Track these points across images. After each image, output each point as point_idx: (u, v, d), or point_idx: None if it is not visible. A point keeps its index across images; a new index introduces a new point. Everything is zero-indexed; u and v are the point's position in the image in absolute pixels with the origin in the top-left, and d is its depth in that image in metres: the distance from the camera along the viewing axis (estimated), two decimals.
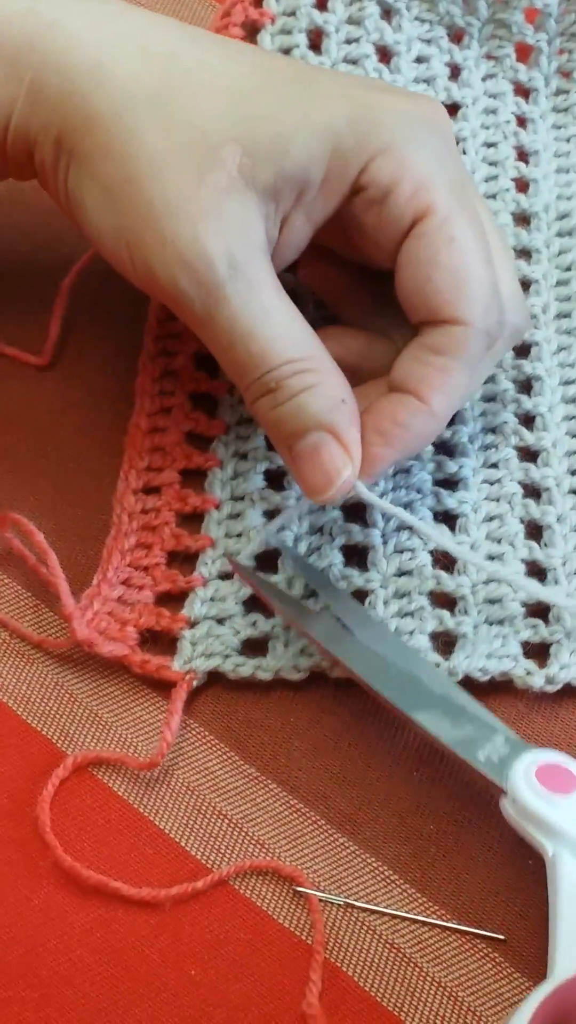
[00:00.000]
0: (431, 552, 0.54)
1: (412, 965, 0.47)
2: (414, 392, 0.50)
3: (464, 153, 0.65)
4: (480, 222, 0.51)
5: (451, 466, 0.56)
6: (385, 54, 0.66)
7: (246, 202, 0.49)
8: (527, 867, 0.48)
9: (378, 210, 0.50)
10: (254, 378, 0.49)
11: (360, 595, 0.53)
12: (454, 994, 0.47)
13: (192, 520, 0.56)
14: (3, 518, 0.54)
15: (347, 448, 0.50)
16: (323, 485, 0.50)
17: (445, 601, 0.53)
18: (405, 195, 0.50)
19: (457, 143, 0.65)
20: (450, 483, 0.56)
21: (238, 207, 0.48)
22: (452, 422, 0.57)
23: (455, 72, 0.67)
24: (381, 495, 0.55)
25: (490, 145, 0.65)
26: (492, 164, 0.65)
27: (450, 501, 0.55)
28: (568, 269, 0.62)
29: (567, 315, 0.61)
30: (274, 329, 0.49)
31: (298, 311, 0.50)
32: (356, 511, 0.55)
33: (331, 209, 0.51)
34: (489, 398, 0.58)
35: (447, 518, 0.55)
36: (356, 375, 0.52)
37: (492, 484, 0.56)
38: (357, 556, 0.54)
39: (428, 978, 0.47)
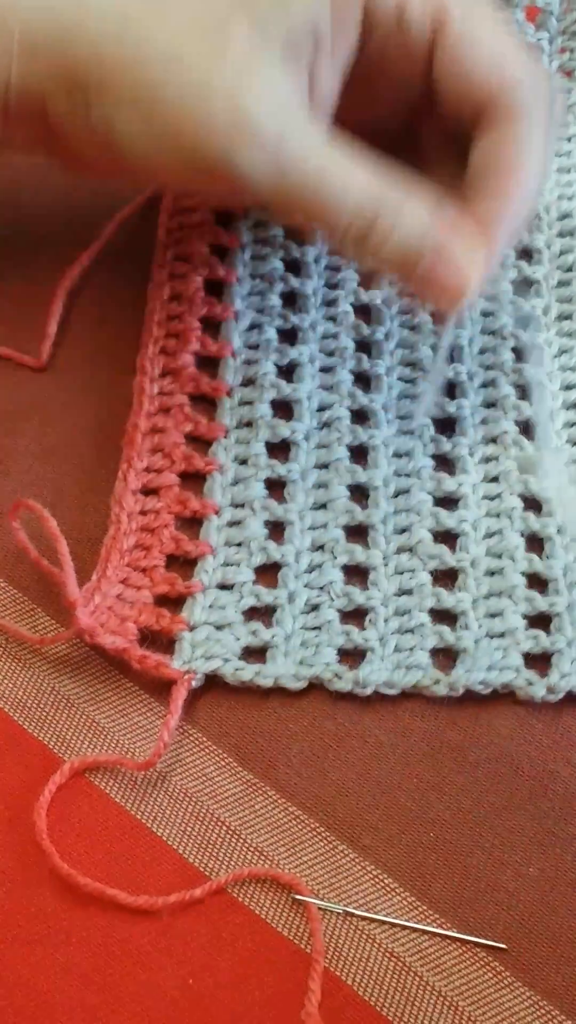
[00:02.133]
0: (431, 572, 0.54)
1: (412, 974, 0.47)
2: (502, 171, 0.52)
3: None
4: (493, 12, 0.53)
5: (450, 484, 0.56)
6: None
7: (271, 64, 0.49)
8: (528, 876, 0.48)
9: (397, 37, 0.51)
10: (342, 231, 0.50)
11: (360, 613, 0.53)
12: (454, 1003, 0.46)
13: (192, 524, 0.55)
14: (17, 505, 0.53)
15: (460, 252, 0.50)
16: (457, 291, 0.51)
17: (445, 617, 0.53)
18: (416, 9, 0.51)
19: None
20: (449, 501, 0.56)
21: (267, 69, 0.49)
22: (452, 433, 0.57)
23: None
24: (383, 518, 0.55)
25: None
26: None
27: (450, 521, 0.55)
28: (570, 270, 0.62)
29: (568, 317, 0.61)
30: (342, 177, 0.50)
31: (354, 150, 0.50)
32: (358, 532, 0.55)
33: (351, 50, 0.52)
34: (490, 404, 0.58)
35: (447, 537, 0.55)
36: None
37: (492, 499, 0.56)
38: (359, 575, 0.54)
39: (428, 987, 0.47)
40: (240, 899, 0.48)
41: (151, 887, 0.48)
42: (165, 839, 0.49)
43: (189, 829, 0.49)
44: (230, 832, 0.49)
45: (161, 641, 0.52)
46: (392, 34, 0.51)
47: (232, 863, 0.49)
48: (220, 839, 0.49)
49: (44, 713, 0.52)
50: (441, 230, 0.50)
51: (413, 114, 0.55)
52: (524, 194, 0.52)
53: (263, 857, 0.49)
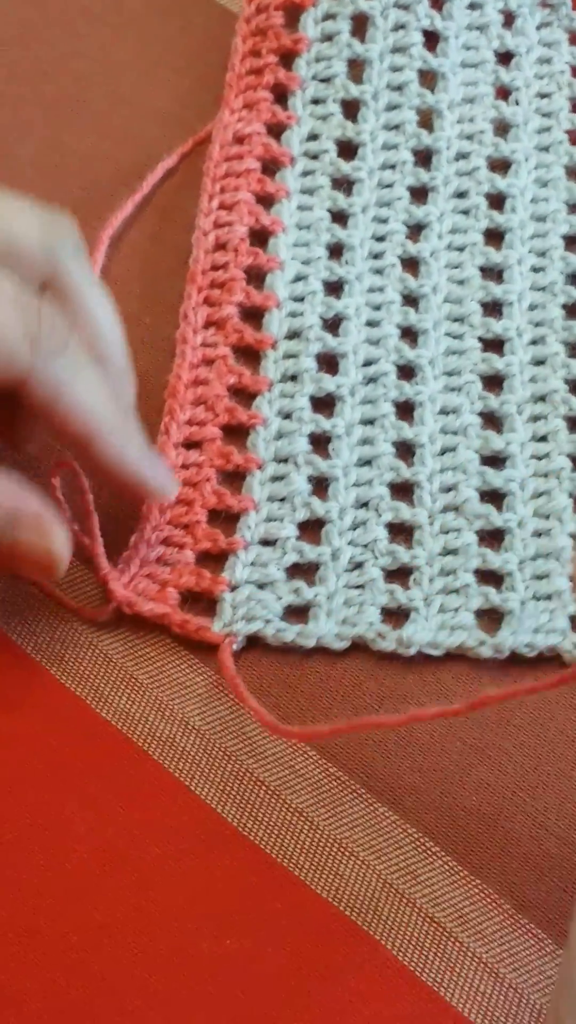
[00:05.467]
0: (477, 532, 0.53)
1: (452, 940, 0.46)
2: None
3: (517, 104, 0.63)
4: None
5: (497, 442, 0.55)
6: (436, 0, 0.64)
7: None
8: (573, 843, 0.47)
9: None
10: None
11: (405, 572, 0.52)
12: (495, 970, 0.46)
13: (234, 478, 0.54)
14: (58, 464, 0.51)
15: (35, 532, 0.47)
16: (50, 566, 0.48)
17: (491, 578, 0.52)
18: None
19: (509, 93, 0.63)
20: (497, 460, 0.55)
21: None
22: (500, 390, 0.55)
23: (509, 20, 0.65)
24: (429, 476, 0.54)
25: (544, 96, 0.63)
26: (546, 115, 0.63)
27: (497, 480, 0.54)
28: None
29: None
30: None
31: None
32: (403, 490, 0.54)
33: None
34: (539, 361, 0.56)
35: (494, 497, 0.54)
36: None
37: (540, 459, 0.54)
38: (403, 533, 0.53)
39: (469, 953, 0.46)
40: (279, 860, 0.47)
41: (188, 846, 0.48)
42: (203, 797, 0.49)
43: (228, 788, 0.49)
44: (269, 792, 0.49)
45: (202, 600, 0.52)
46: None
47: (271, 824, 0.48)
48: (259, 799, 0.49)
49: (81, 668, 0.51)
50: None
51: None
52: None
53: (302, 818, 0.48)
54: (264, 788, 0.49)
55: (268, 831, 0.48)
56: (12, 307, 0.45)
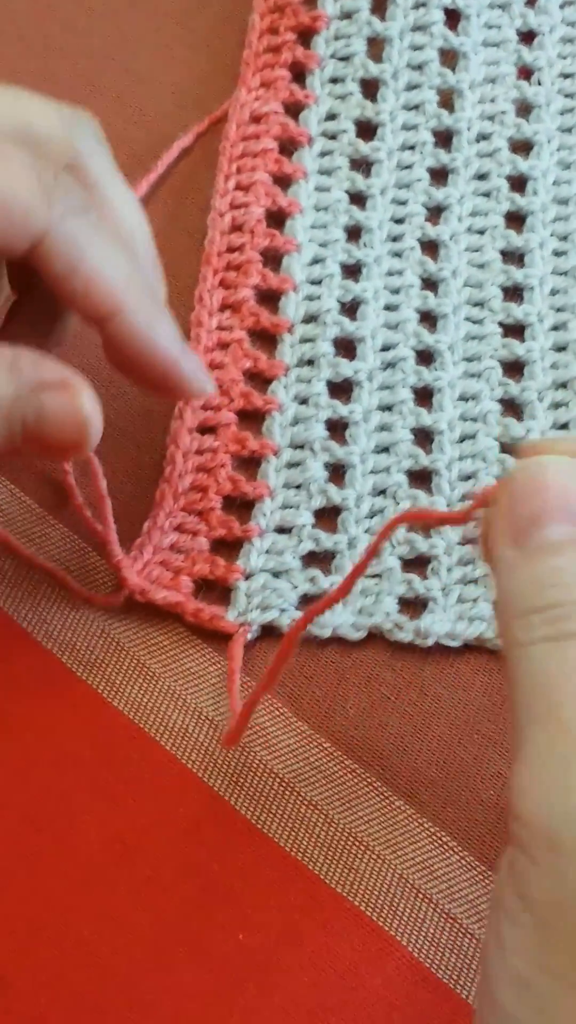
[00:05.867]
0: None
1: (469, 936, 0.46)
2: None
3: (539, 84, 0.61)
4: None
5: (518, 430, 0.54)
6: None
7: None
8: None
9: None
10: None
11: (423, 561, 0.52)
12: None
13: (249, 465, 0.53)
14: None
15: (62, 383, 0.42)
16: (75, 433, 0.42)
17: None
18: None
19: (532, 73, 0.62)
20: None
21: None
22: (520, 377, 0.55)
23: None
24: (448, 463, 0.53)
25: (567, 76, 0.62)
26: (569, 96, 0.62)
27: (517, 430, 0.53)
28: None
29: None
30: None
31: None
32: (422, 478, 0.53)
33: None
34: (560, 347, 0.55)
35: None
36: None
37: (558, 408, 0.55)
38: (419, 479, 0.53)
39: None
40: (292, 853, 0.47)
41: (201, 838, 0.47)
42: (216, 789, 0.48)
43: (241, 779, 0.48)
44: (283, 784, 0.48)
45: (216, 588, 0.51)
46: None
47: (285, 817, 0.47)
48: (272, 791, 0.48)
49: (93, 656, 0.50)
50: (25, 373, 0.42)
51: None
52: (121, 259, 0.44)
53: (317, 811, 0.47)
54: (278, 780, 0.48)
55: (282, 824, 0.47)
56: (29, 168, 0.42)
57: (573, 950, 0.29)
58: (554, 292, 0.57)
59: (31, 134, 0.43)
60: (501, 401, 0.55)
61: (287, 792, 0.48)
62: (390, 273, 0.57)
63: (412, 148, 0.60)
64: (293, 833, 0.47)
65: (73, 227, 0.42)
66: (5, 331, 0.47)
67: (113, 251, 0.43)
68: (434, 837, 0.47)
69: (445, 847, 0.47)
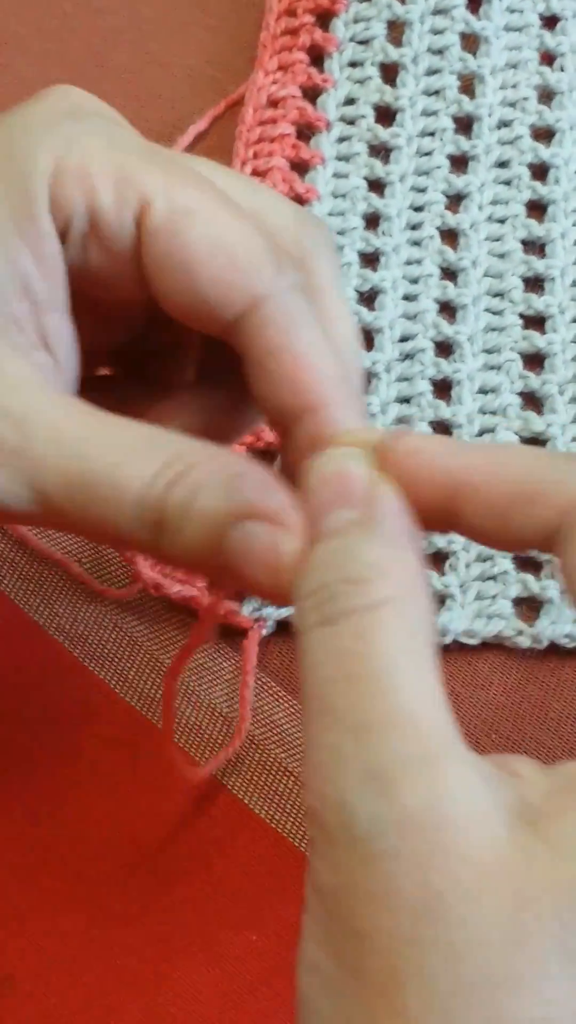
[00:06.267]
0: None
1: None
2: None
3: (562, 70, 0.60)
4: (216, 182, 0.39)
5: (538, 424, 0.53)
6: None
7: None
8: None
9: (97, 248, 0.38)
10: (129, 525, 0.35)
11: (441, 557, 0.51)
12: None
13: (266, 455, 0.52)
14: None
15: (274, 517, 0.34)
16: (267, 577, 0.34)
17: (530, 565, 0.50)
18: (109, 211, 0.37)
19: (555, 59, 0.61)
20: (537, 443, 0.53)
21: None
22: (540, 370, 0.54)
23: None
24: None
25: None
26: None
27: (537, 424, 0.53)
28: None
29: None
30: (108, 452, 0.36)
31: (117, 417, 0.37)
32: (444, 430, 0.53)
33: (62, 286, 0.38)
34: None
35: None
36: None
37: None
38: None
39: None
40: (307, 852, 0.46)
41: (214, 837, 0.46)
42: (230, 788, 0.47)
43: (256, 778, 0.47)
44: (299, 784, 0.47)
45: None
46: (92, 247, 0.38)
47: (300, 816, 0.47)
48: (288, 790, 0.47)
49: (105, 649, 0.49)
50: (247, 490, 0.35)
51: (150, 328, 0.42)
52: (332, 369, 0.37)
53: None
54: (293, 779, 0.47)
55: (297, 824, 0.47)
56: (262, 233, 0.38)
57: (350, 936, 0.28)
58: None
59: (263, 216, 0.40)
60: (521, 394, 0.54)
61: (300, 789, 0.47)
62: (409, 262, 0.56)
63: (432, 135, 0.59)
64: (306, 831, 0.46)
65: (295, 304, 0.38)
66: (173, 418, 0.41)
67: (327, 348, 0.38)
68: None
69: None
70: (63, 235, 0.37)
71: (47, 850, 0.46)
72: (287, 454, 0.38)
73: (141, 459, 0.35)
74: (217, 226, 0.37)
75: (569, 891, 0.28)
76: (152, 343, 0.42)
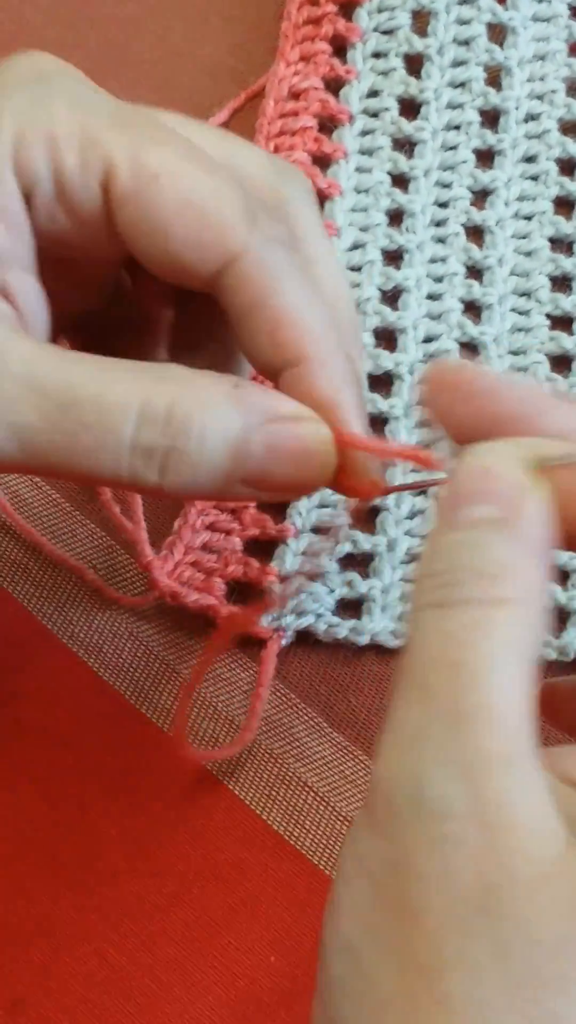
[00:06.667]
0: None
1: None
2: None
3: None
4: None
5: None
6: None
7: None
8: None
9: (65, 213, 0.38)
10: (125, 456, 0.36)
11: None
12: None
13: None
14: None
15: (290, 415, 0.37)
16: (301, 469, 0.37)
17: (557, 575, 0.49)
18: (74, 177, 0.37)
19: None
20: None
21: None
22: (568, 372, 0.53)
23: None
24: None
25: None
26: None
27: None
28: None
29: None
30: (93, 379, 0.36)
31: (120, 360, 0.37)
32: None
33: (30, 247, 0.38)
34: None
35: None
36: None
37: None
38: None
39: None
40: (326, 871, 0.45)
41: (230, 853, 0.45)
42: (246, 802, 0.46)
43: (273, 792, 0.46)
44: (317, 798, 0.46)
45: (250, 591, 0.49)
46: (59, 211, 0.38)
47: (318, 832, 0.46)
48: (306, 805, 0.46)
49: (120, 660, 0.48)
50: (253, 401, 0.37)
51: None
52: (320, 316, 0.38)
53: (351, 825, 0.45)
54: (312, 793, 0.46)
55: (316, 840, 0.46)
56: (234, 188, 0.38)
57: (396, 913, 0.28)
58: None
59: (237, 169, 0.39)
60: None
61: (320, 806, 0.46)
62: (433, 260, 0.55)
63: (457, 128, 0.57)
64: (327, 850, 0.45)
65: (272, 257, 0.38)
66: None
67: (310, 298, 0.38)
68: None
69: None
70: (28, 197, 0.37)
71: (58, 869, 0.45)
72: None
73: (130, 383, 0.36)
74: (185, 185, 0.37)
75: None
76: (121, 318, 0.42)
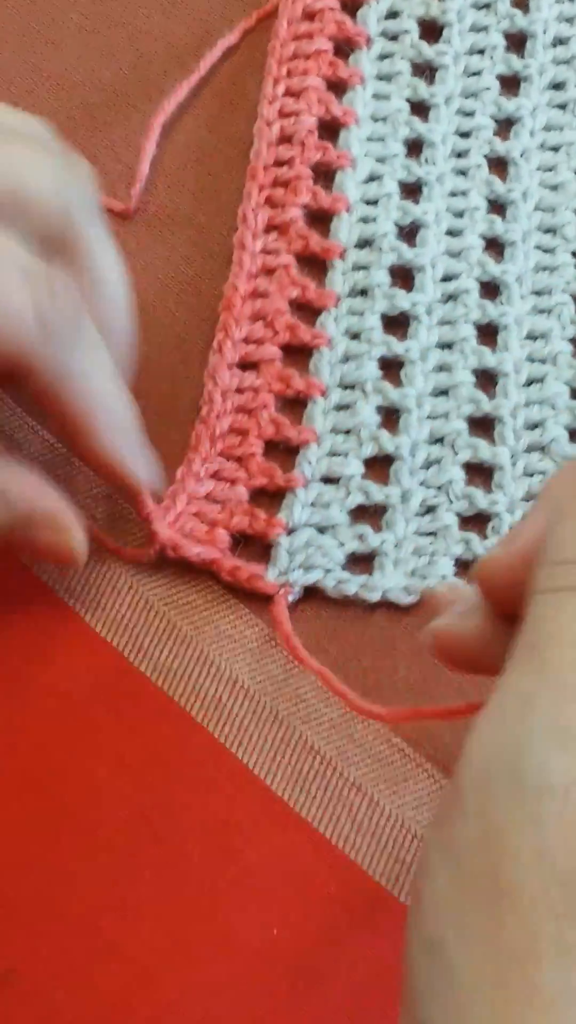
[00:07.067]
0: None
1: None
2: None
3: None
4: None
5: None
6: None
7: None
8: None
9: None
10: None
11: (483, 518, 0.47)
12: None
13: (294, 406, 0.49)
14: None
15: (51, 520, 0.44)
16: (67, 562, 0.45)
17: None
18: None
19: None
20: None
21: None
22: None
23: None
24: (513, 410, 0.49)
25: None
26: None
27: None
28: None
29: None
30: None
31: None
32: (484, 425, 0.49)
33: None
34: None
35: None
36: None
37: None
38: (482, 475, 0.48)
39: None
40: (334, 841, 0.43)
41: (232, 819, 0.43)
42: (249, 766, 0.44)
43: (278, 756, 0.44)
44: (324, 762, 0.44)
45: (255, 544, 0.47)
46: None
47: (326, 798, 0.44)
48: (312, 770, 0.44)
49: (119, 614, 0.46)
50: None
51: None
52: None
53: (361, 793, 0.44)
54: (319, 758, 0.44)
55: (322, 807, 0.44)
56: (22, 278, 0.40)
57: (486, 898, 0.27)
58: None
59: (22, 201, 0.41)
60: (573, 341, 0.50)
61: (328, 771, 0.44)
62: (453, 194, 0.52)
63: (481, 52, 0.55)
64: (334, 817, 0.43)
65: (65, 357, 0.42)
66: None
67: (100, 371, 0.43)
68: None
69: None
70: None
71: (51, 837, 0.43)
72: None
73: None
74: None
75: None
76: None
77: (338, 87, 0.54)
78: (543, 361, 0.49)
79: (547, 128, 0.53)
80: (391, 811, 0.43)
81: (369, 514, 0.47)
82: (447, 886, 0.28)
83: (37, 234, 0.41)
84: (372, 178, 0.52)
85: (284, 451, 0.48)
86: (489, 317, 0.50)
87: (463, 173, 0.53)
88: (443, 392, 0.49)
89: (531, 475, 0.47)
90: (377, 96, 0.54)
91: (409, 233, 0.51)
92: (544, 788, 0.27)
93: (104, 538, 0.46)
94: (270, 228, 0.51)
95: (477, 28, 0.55)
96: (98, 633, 0.46)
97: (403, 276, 0.51)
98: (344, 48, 0.55)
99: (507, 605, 0.34)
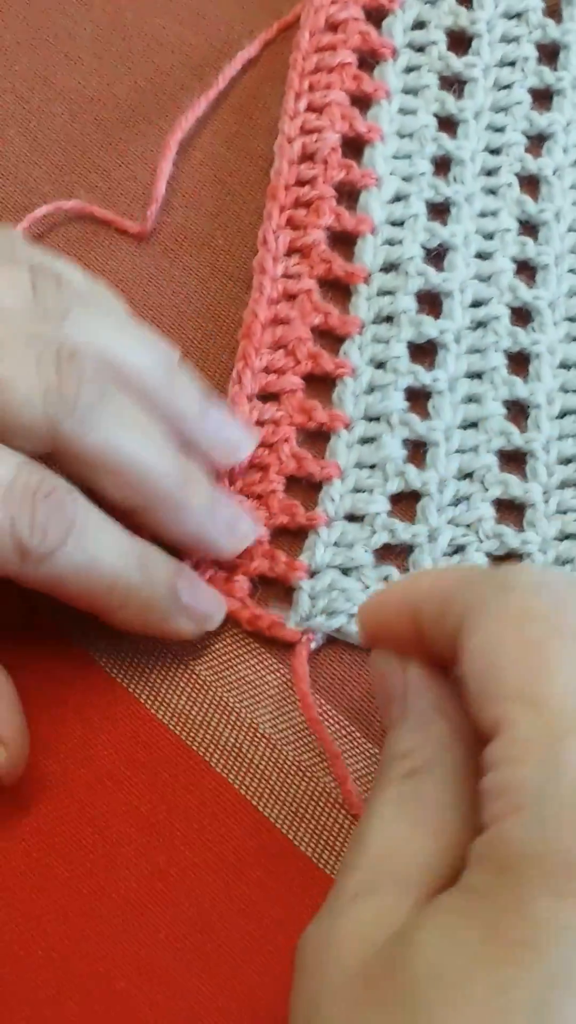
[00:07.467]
0: None
1: None
2: None
3: None
4: None
5: None
6: None
7: None
8: None
9: None
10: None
11: (514, 558, 0.46)
12: None
13: (316, 439, 0.47)
14: None
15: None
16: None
17: None
18: None
19: None
20: None
21: None
22: None
23: None
24: (545, 444, 0.47)
25: None
26: None
27: None
28: None
29: None
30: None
31: None
32: (515, 459, 0.47)
33: None
34: None
35: None
36: None
37: None
38: (513, 512, 0.46)
39: None
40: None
41: (254, 879, 0.42)
42: (274, 822, 0.42)
43: (302, 811, 0.43)
44: (351, 818, 0.43)
45: (276, 584, 0.45)
46: None
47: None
48: (338, 826, 0.42)
49: (137, 662, 0.45)
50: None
51: None
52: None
53: None
54: (344, 812, 0.43)
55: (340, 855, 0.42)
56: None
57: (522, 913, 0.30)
58: None
59: (11, 424, 0.41)
60: None
61: (353, 824, 0.42)
62: (483, 214, 0.50)
63: (512, 64, 0.53)
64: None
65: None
66: None
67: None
68: None
69: None
70: None
71: (71, 893, 0.42)
72: None
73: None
74: None
75: None
76: None
77: (362, 102, 0.52)
78: None
79: None
80: None
81: (395, 554, 0.46)
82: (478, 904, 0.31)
83: (31, 449, 0.41)
84: (398, 198, 0.51)
85: (306, 487, 0.46)
86: (520, 345, 0.48)
87: (493, 192, 0.51)
88: (472, 424, 0.47)
89: (564, 512, 0.46)
90: (403, 111, 0.52)
91: (436, 256, 0.50)
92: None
93: None
94: (291, 251, 0.50)
95: (508, 39, 0.53)
96: (114, 679, 0.44)
97: (430, 302, 0.49)
98: (368, 60, 0.53)
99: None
